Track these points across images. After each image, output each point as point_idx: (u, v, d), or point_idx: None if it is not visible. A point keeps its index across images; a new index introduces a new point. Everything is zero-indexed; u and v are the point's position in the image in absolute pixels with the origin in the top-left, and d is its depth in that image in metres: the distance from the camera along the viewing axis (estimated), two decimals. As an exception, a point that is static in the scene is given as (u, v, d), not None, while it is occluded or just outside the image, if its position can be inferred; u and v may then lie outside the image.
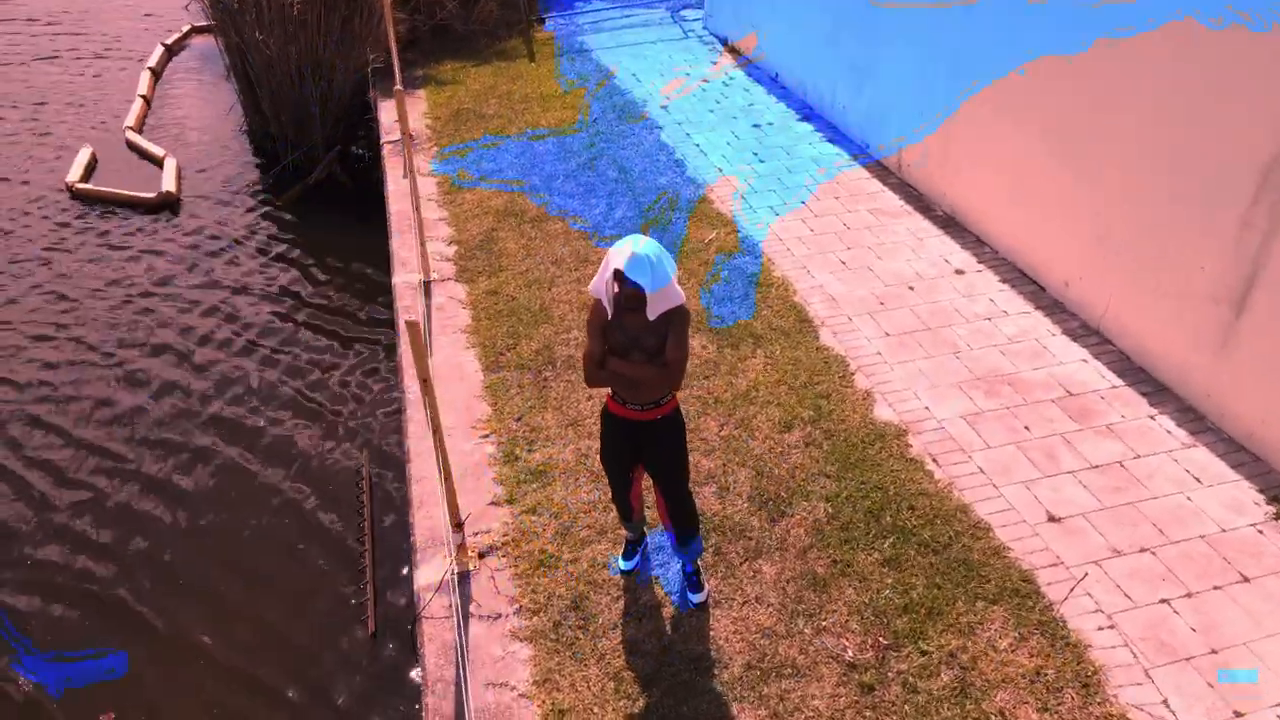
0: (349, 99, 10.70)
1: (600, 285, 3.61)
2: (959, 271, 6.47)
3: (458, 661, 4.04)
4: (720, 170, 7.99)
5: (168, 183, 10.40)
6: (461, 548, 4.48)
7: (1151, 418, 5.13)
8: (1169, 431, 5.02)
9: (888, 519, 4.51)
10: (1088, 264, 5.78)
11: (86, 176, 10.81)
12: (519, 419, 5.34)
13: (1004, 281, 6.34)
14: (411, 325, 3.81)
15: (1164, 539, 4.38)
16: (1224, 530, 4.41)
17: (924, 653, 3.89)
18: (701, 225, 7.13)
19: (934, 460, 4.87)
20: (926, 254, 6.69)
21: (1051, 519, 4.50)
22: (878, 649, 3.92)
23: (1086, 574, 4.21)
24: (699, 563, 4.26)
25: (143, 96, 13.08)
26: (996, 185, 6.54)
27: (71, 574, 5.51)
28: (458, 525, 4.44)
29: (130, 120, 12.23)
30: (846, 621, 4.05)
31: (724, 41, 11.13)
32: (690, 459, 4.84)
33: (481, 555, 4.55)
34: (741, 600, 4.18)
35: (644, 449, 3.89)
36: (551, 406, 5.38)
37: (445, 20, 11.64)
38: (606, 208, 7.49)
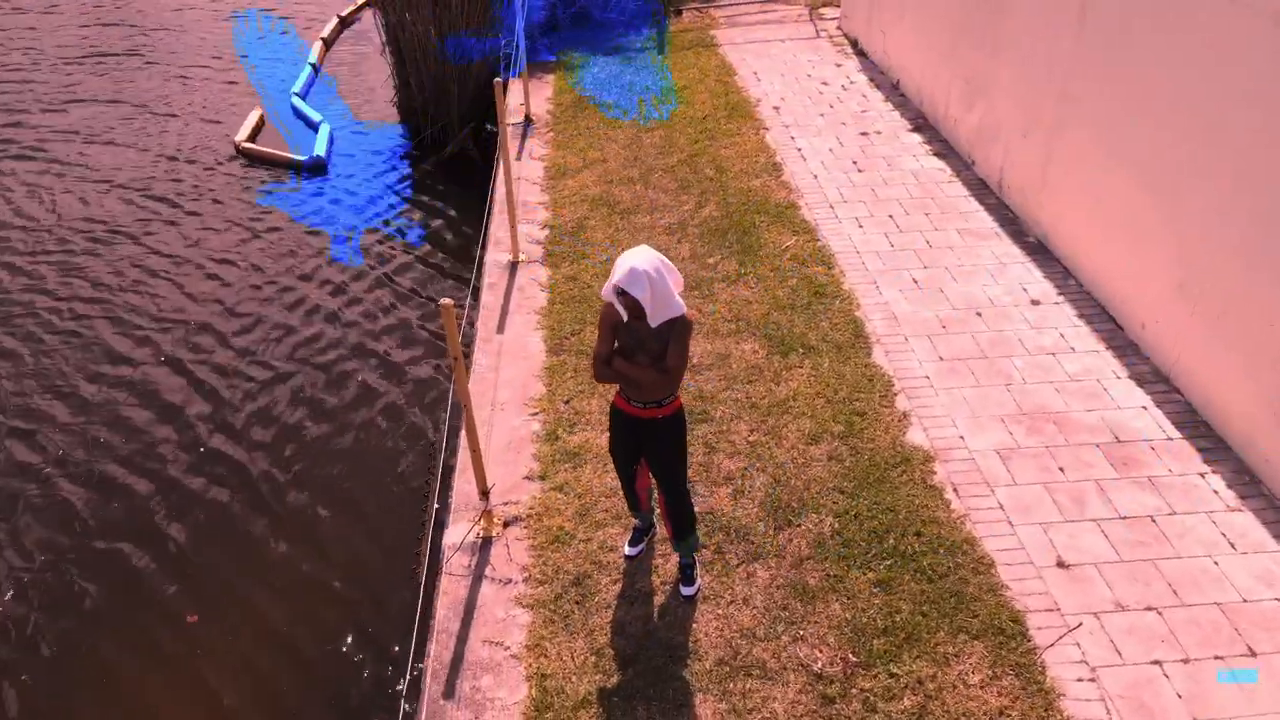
0: (485, 79, 11.30)
1: (609, 290, 3.87)
2: (1035, 302, 6.33)
3: (464, 617, 4.45)
4: (815, 176, 8.03)
5: (319, 147, 11.35)
6: (487, 514, 4.88)
7: (1201, 475, 4.93)
8: (1216, 492, 4.82)
9: (891, 541, 4.58)
10: (1166, 307, 5.55)
11: (253, 136, 11.93)
12: (567, 402, 5.68)
13: (1080, 317, 6.16)
14: (446, 307, 4.18)
15: (1175, 600, 4.26)
16: (1245, 600, 4.24)
17: (893, 675, 3.99)
18: (783, 231, 7.23)
19: (954, 490, 4.88)
20: (1005, 280, 6.56)
21: (1060, 564, 4.45)
22: (846, 664, 4.04)
23: (1081, 624, 4.17)
24: (695, 558, 4.49)
25: (312, 64, 14.23)
26: (1089, 215, 6.33)
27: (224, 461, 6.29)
28: (484, 494, 4.84)
29: (297, 86, 13.35)
30: (825, 635, 4.18)
31: (854, 44, 11.03)
32: (713, 460, 5.09)
33: (506, 524, 4.94)
34: (729, 599, 4.39)
35: (645, 445, 4.14)
36: (598, 393, 5.69)
37: (585, 8, 12.07)
38: (695, 205, 7.70)
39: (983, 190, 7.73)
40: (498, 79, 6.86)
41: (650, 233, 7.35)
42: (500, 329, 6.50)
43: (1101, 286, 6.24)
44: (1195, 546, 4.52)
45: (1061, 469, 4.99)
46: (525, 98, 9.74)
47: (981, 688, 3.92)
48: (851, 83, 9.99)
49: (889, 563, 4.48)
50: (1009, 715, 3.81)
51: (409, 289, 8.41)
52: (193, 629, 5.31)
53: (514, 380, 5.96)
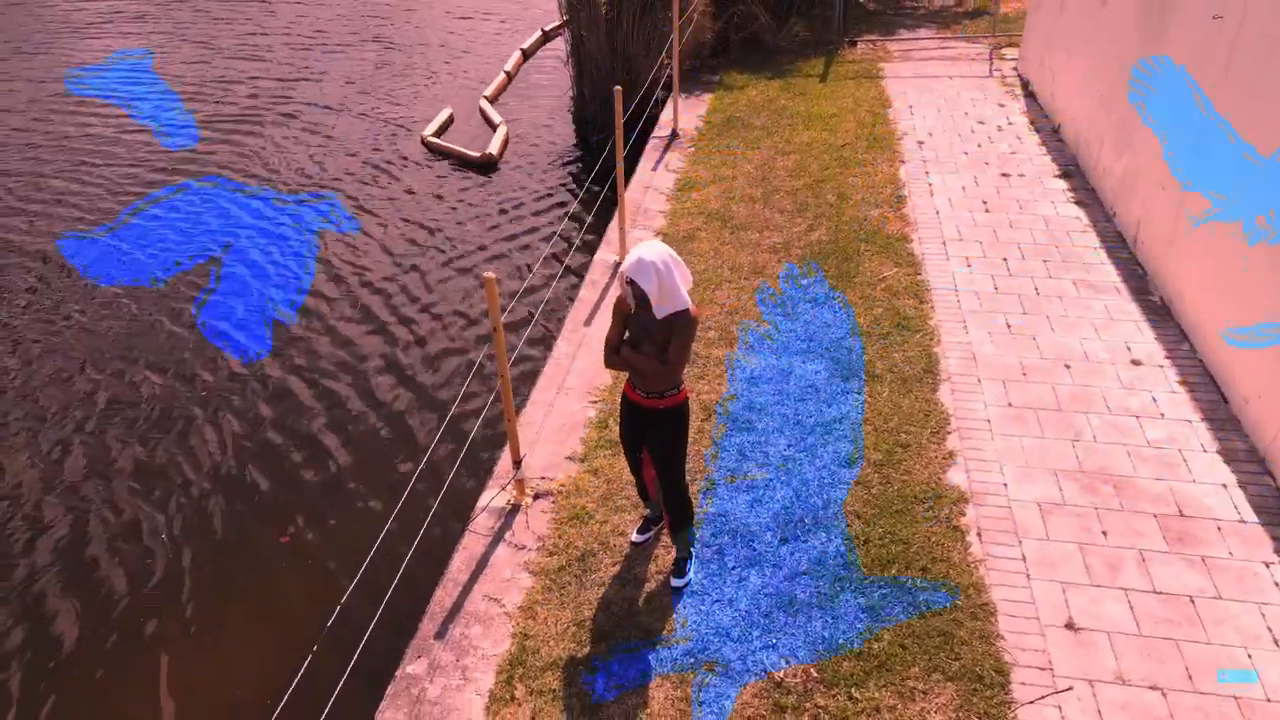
0: (650, 93, 11.78)
1: (620, 278, 4.09)
2: (1136, 362, 5.92)
3: (474, 572, 4.79)
4: (938, 212, 7.85)
5: (493, 146, 12.23)
6: (517, 484, 5.21)
7: (1266, 565, 4.48)
8: (1277, 583, 4.37)
9: (893, 571, 4.49)
10: (1273, 381, 5.07)
11: (440, 132, 13.02)
12: (625, 395, 5.92)
13: (1182, 383, 5.71)
14: (488, 280, 4.55)
15: (1188, 685, 3.92)
16: (1269, 700, 3.84)
17: (852, 698, 3.93)
18: (885, 261, 7.14)
19: (979, 534, 4.71)
20: (1110, 337, 6.18)
21: (1069, 626, 4.20)
22: (808, 679, 4.02)
23: (1071, 688, 3.93)
24: (692, 552, 4.60)
25: (506, 72, 15.29)
26: (1211, 275, 5.86)
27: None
28: (516, 464, 5.17)
29: (488, 90, 14.42)
30: (797, 648, 4.18)
31: (1026, 85, 10.61)
32: (742, 467, 5.17)
33: (536, 496, 5.25)
34: (716, 598, 4.46)
35: (647, 432, 4.32)
36: (656, 391, 5.89)
37: (757, 34, 12.31)
38: (806, 228, 7.74)
39: (1116, 244, 7.27)
40: (618, 87, 7.21)
41: (754, 250, 7.47)
42: (588, 322, 6.84)
43: (1213, 353, 5.76)
44: (1231, 635, 4.13)
45: (1105, 532, 4.69)
46: (675, 113, 10.10)
47: (940, 729, 3.80)
48: (1010, 124, 9.63)
49: (884, 591, 4.40)
50: (959, 761, 3.68)
51: (532, 274, 8.94)
52: (284, 547, 5.93)
53: (585, 370, 6.27)
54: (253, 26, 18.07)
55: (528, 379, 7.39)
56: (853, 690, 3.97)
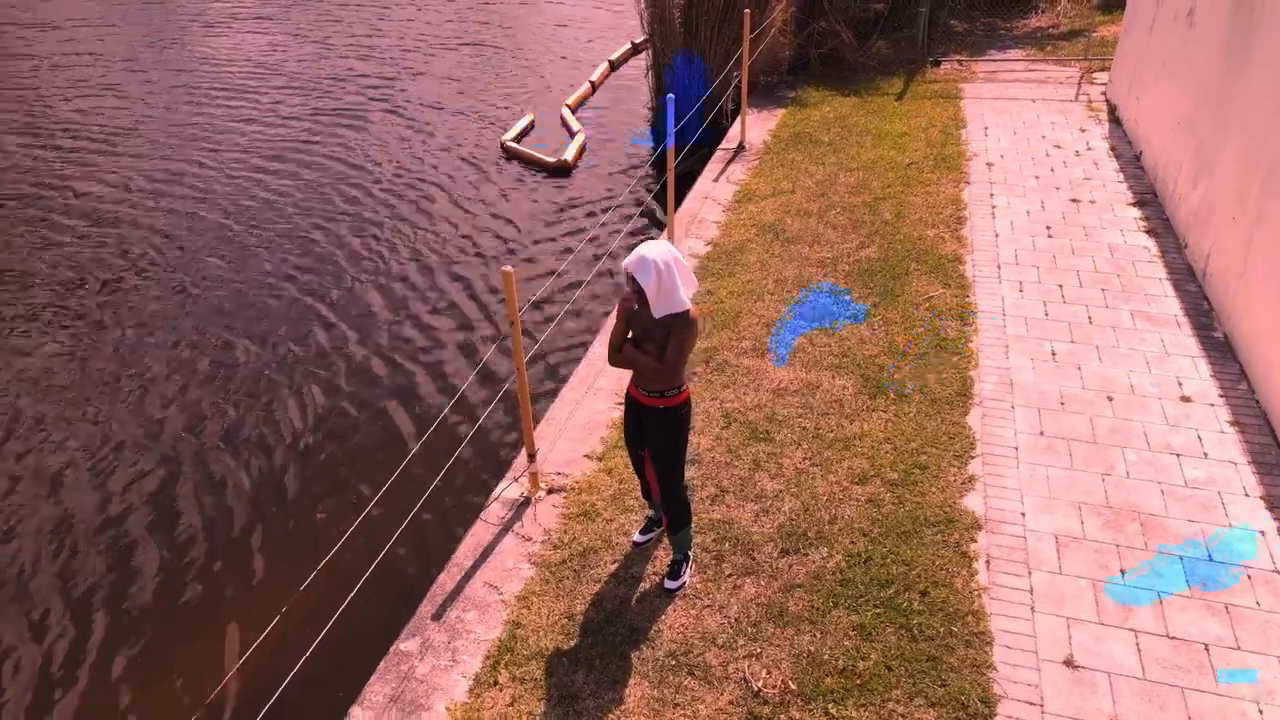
0: (729, 100, 11.83)
1: (624, 275, 4.15)
2: (1185, 399, 5.64)
3: (478, 559, 4.90)
4: (997, 235, 7.64)
5: (569, 153, 12.46)
6: (531, 476, 5.30)
7: (1296, 618, 4.21)
8: (1305, 639, 4.10)
9: (890, 593, 4.40)
10: (1326, 428, 4.77)
11: (519, 137, 13.34)
12: (651, 399, 5.96)
13: (1233, 424, 5.41)
14: (506, 274, 4.66)
15: (1188, 736, 3.72)
16: (1276, 759, 3.61)
17: (828, 714, 3.87)
18: (934, 282, 6.99)
19: (987, 563, 4.56)
20: (1161, 371, 5.90)
21: (1068, 663, 4.03)
22: (784, 691, 3.97)
23: (1060, 727, 3.78)
24: (689, 556, 4.60)
25: (591, 82, 15.57)
26: (1277, 312, 5.54)
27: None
28: (530, 457, 5.27)
29: (571, 99, 14.70)
30: (780, 659, 4.13)
31: (1113, 111, 10.22)
32: (754, 477, 5.15)
33: (549, 491, 5.33)
34: (706, 603, 4.45)
35: (646, 430, 4.35)
36: (681, 397, 5.90)
37: (838, 50, 12.21)
38: (858, 244, 7.64)
39: (1184, 276, 6.94)
40: (670, 95, 7.27)
41: (801, 264, 7.42)
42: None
43: (1273, 394, 5.43)
44: (1244, 689, 3.89)
45: (1123, 570, 4.48)
46: (743, 127, 10.11)
47: (913, 754, 3.70)
48: (1088, 149, 9.30)
49: (877, 611, 4.31)
50: (929, 788, 3.57)
51: (587, 280, 9.08)
52: (320, 520, 6.19)
53: (617, 371, 6.33)
54: (367, 28, 19.03)
55: (562, 377, 7.52)
56: (830, 707, 3.90)
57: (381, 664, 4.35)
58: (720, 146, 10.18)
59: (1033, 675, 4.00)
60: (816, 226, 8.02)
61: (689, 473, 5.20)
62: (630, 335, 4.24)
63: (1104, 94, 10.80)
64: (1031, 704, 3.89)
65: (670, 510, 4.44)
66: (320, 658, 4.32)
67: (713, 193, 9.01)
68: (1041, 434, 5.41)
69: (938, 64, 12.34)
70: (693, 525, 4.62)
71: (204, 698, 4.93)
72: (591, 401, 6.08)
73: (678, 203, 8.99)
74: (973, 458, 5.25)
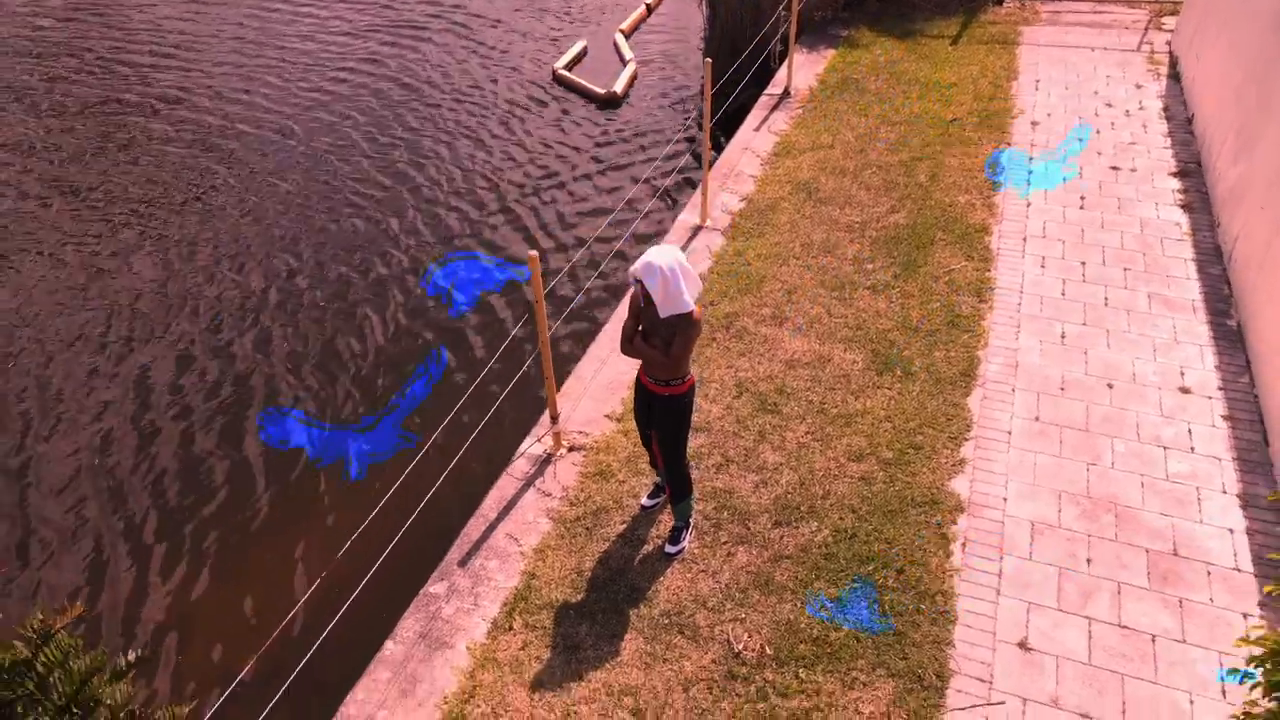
0: (777, 43, 11.73)
1: (631, 276, 4.49)
2: (1184, 390, 5.83)
3: (501, 511, 5.44)
4: (1029, 204, 7.71)
5: (619, 84, 12.55)
6: (555, 435, 5.79)
7: (1245, 616, 4.53)
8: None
9: (868, 569, 4.82)
10: (1309, 434, 4.97)
11: (571, 65, 13.41)
12: (671, 363, 6.35)
13: (1226, 419, 5.62)
14: (532, 258, 5.04)
15: (1119, 720, 4.14)
16: (1196, 748, 4.02)
17: (799, 679, 4.36)
18: (957, 254, 7.15)
19: (963, 545, 4.95)
20: (1167, 359, 6.07)
21: (1022, 645, 4.45)
22: (761, 654, 4.48)
23: (1004, 703, 4.22)
24: (689, 523, 5.07)
25: (647, 5, 15.42)
26: (1282, 313, 5.65)
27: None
28: (554, 418, 5.74)
29: (625, 24, 14.62)
30: (761, 625, 4.62)
31: (1174, 64, 9.94)
32: (757, 449, 5.55)
33: (570, 449, 5.82)
34: (701, 568, 4.94)
35: (652, 414, 4.77)
36: (700, 362, 6.28)
37: (897, -14, 11.92)
38: (889, 209, 7.78)
39: (1210, 257, 6.99)
40: (708, 59, 7.37)
41: (830, 227, 7.61)
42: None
43: (1270, 389, 5.60)
44: (1180, 680, 4.28)
45: (1089, 560, 4.83)
46: (789, 72, 10.11)
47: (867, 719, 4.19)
48: (1141, 108, 9.14)
49: (854, 586, 4.75)
50: (878, 750, 4.07)
51: (627, 233, 9.38)
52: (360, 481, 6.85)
53: (642, 332, 6.71)
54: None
55: (589, 336, 7.92)
56: (800, 671, 4.39)
57: (413, 604, 4.96)
58: (766, 91, 10.20)
59: (987, 654, 4.43)
60: (850, 187, 8.15)
61: (698, 440, 5.63)
62: (640, 329, 4.61)
63: (1168, 44, 10.46)
64: (981, 680, 4.33)
65: (672, 483, 4.89)
66: (370, 589, 4.82)
67: (752, 143, 9.13)
68: (1037, 419, 5.69)
69: (1000, 2, 11.99)
70: (693, 496, 5.07)
71: (277, 620, 5.63)
72: (614, 362, 6.49)
73: (723, 144, 9.16)
74: (967, 440, 5.57)
